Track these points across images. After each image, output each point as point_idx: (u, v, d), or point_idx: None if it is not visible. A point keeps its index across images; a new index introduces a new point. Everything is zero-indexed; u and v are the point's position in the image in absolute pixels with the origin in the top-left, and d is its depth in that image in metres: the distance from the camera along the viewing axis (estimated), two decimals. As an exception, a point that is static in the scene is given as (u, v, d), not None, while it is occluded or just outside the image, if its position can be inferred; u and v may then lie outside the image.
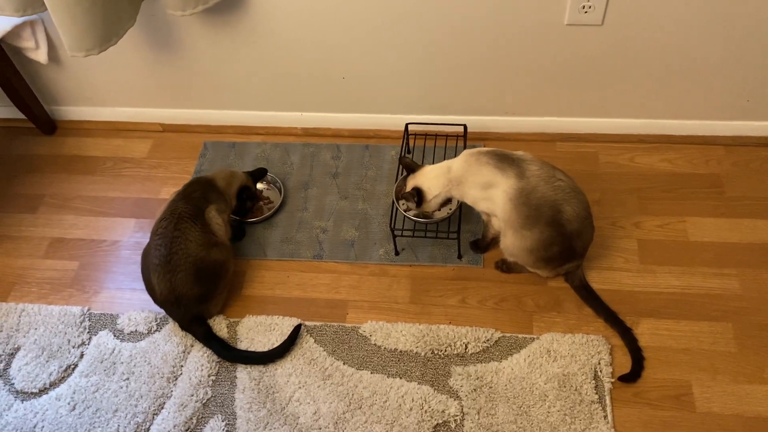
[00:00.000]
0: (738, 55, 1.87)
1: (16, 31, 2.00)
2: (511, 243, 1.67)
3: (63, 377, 1.77)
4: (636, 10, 1.78)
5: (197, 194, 1.82)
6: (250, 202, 2.00)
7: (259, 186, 2.12)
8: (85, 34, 1.71)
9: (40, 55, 2.10)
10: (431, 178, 1.75)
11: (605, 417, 1.59)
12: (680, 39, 1.85)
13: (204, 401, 1.69)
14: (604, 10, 1.79)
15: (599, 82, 1.99)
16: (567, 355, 1.68)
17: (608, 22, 1.82)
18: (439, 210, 1.91)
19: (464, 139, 2.00)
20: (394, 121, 2.19)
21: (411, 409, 1.63)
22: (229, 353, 1.75)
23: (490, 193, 1.66)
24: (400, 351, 1.74)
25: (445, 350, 1.73)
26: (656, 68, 1.93)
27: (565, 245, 1.64)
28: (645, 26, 1.82)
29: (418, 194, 1.76)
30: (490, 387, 1.65)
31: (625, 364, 1.66)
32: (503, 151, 1.68)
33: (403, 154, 2.05)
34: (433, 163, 1.80)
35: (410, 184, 1.79)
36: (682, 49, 1.87)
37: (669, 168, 2.07)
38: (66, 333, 1.84)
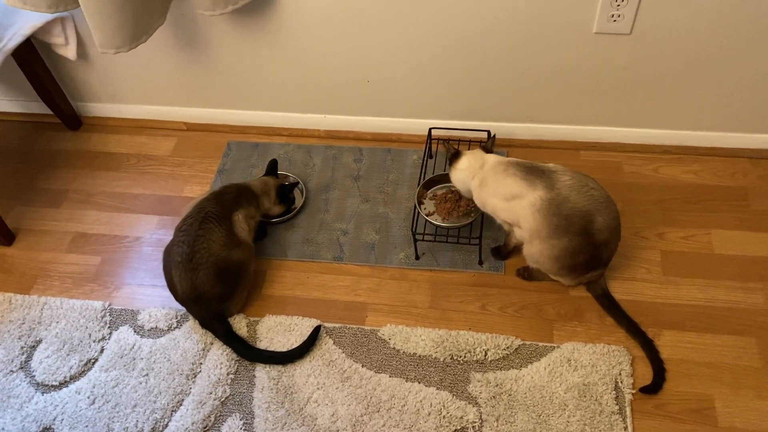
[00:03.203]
0: (767, 68, 1.86)
1: (46, 27, 2.03)
2: (538, 251, 1.67)
3: (83, 371, 1.78)
4: (665, 21, 1.78)
5: (229, 197, 1.83)
6: (291, 194, 2.04)
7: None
8: (116, 31, 1.73)
9: (69, 52, 2.12)
10: (470, 158, 1.77)
11: (625, 428, 1.58)
12: (708, 50, 1.83)
13: (222, 399, 1.70)
14: (633, 19, 1.78)
15: (625, 91, 1.98)
16: (588, 365, 1.67)
17: (636, 32, 1.81)
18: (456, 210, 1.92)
19: (492, 146, 1.99)
20: (417, 125, 2.20)
21: (429, 414, 1.63)
22: (248, 352, 1.75)
23: (513, 205, 1.66)
24: (419, 356, 1.73)
25: (465, 356, 1.72)
26: (683, 79, 1.92)
27: (592, 254, 1.63)
28: (673, 37, 1.81)
29: (455, 155, 1.79)
30: (510, 394, 1.64)
31: (647, 376, 1.65)
32: (533, 163, 1.67)
33: (425, 159, 2.05)
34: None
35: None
36: (710, 60, 1.86)
37: (694, 180, 2.05)
38: (87, 327, 1.85)
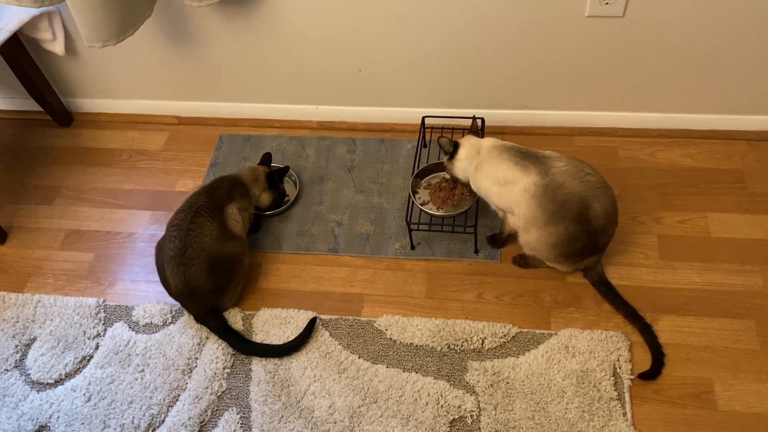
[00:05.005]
0: (763, 49, 1.84)
1: (33, 22, 2.01)
2: (535, 238, 1.65)
3: (78, 368, 1.77)
4: (658, 2, 1.75)
5: (222, 191, 1.82)
6: (281, 181, 2.02)
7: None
8: (102, 24, 1.71)
9: (57, 47, 2.10)
10: (467, 146, 1.76)
11: (624, 414, 1.57)
12: (703, 32, 1.81)
13: (219, 394, 1.69)
14: (626, 1, 1.76)
15: (619, 75, 1.96)
16: (585, 351, 1.66)
17: (629, 14, 1.79)
18: (454, 198, 1.90)
19: (482, 133, 1.97)
20: (410, 114, 2.18)
21: (427, 404, 1.62)
22: (244, 346, 1.74)
23: (506, 190, 1.64)
24: (416, 345, 1.72)
25: (462, 345, 1.71)
26: (678, 61, 1.90)
27: (590, 241, 1.62)
28: (667, 18, 1.79)
29: (455, 148, 1.77)
30: (507, 382, 1.63)
31: (645, 361, 1.64)
32: (528, 149, 1.66)
33: (419, 148, 2.03)
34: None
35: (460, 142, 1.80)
36: (705, 42, 1.84)
37: (690, 163, 2.04)
38: (81, 324, 1.84)
